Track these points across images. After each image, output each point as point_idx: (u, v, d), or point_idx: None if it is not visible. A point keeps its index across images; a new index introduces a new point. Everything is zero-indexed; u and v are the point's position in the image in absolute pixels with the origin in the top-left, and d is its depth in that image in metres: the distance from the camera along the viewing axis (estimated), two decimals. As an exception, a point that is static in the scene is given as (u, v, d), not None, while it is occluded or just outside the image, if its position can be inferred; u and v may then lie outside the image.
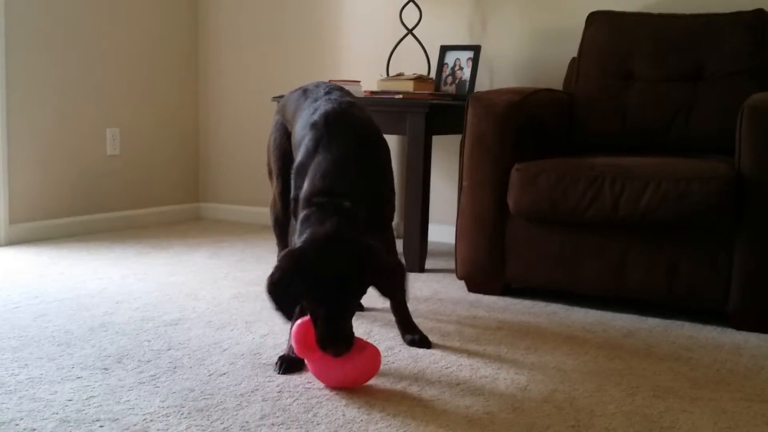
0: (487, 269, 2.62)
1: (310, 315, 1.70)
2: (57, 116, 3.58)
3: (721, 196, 2.22)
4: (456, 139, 3.46)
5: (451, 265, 3.01)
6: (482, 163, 2.58)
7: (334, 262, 1.65)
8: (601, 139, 2.88)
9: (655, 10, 3.04)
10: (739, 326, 2.30)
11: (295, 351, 1.74)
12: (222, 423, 1.50)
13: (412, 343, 2.05)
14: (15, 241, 3.38)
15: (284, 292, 1.68)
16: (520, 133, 2.58)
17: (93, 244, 3.40)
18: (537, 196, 2.45)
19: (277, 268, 1.69)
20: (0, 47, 3.29)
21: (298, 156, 1.89)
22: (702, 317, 2.40)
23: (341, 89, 2.10)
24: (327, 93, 2.04)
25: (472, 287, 2.69)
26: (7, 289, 2.55)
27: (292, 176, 1.89)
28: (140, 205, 4.00)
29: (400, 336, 2.10)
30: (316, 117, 1.89)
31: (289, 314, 1.72)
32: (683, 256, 2.32)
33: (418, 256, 2.99)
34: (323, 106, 1.93)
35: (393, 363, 1.89)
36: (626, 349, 2.07)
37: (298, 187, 1.84)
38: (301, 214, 1.76)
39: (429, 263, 3.11)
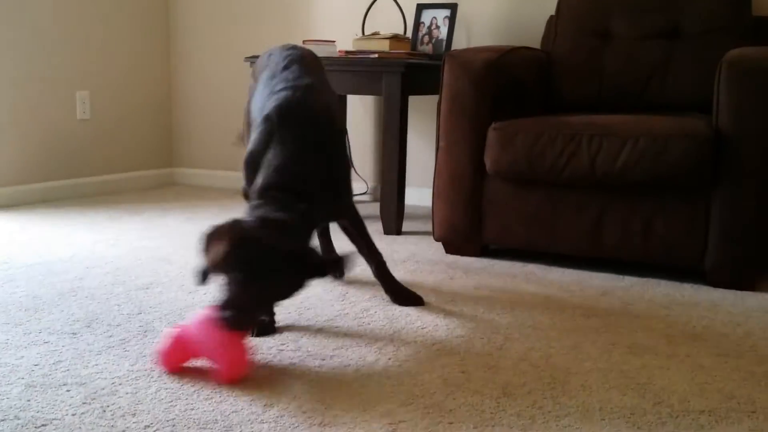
0: (464, 230, 2.59)
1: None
2: (24, 79, 3.49)
3: (699, 154, 2.20)
4: (433, 99, 3.42)
5: (429, 227, 2.99)
6: (459, 122, 2.54)
7: (266, 269, 1.54)
8: (579, 98, 2.85)
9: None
10: (716, 284, 2.30)
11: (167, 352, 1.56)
12: (192, 385, 1.47)
13: (404, 303, 2.05)
14: (-17, 207, 3.31)
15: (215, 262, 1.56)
16: (497, 91, 2.54)
17: (64, 210, 3.33)
18: (514, 155, 2.42)
19: (228, 241, 1.55)
20: (-38, 7, 3.19)
21: (249, 144, 1.79)
22: (679, 275, 2.40)
23: (301, 61, 1.97)
24: (285, 68, 1.93)
25: (450, 249, 2.67)
26: (-25, 255, 2.49)
27: (242, 167, 1.80)
28: (112, 171, 3.93)
29: (376, 297, 2.07)
30: (268, 109, 1.79)
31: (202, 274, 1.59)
32: (660, 215, 2.31)
33: (395, 218, 2.95)
34: (277, 94, 1.83)
35: (369, 324, 1.87)
36: (603, 307, 2.07)
37: (249, 180, 1.76)
38: (253, 203, 1.69)
39: (406, 226, 3.08)
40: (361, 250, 2.06)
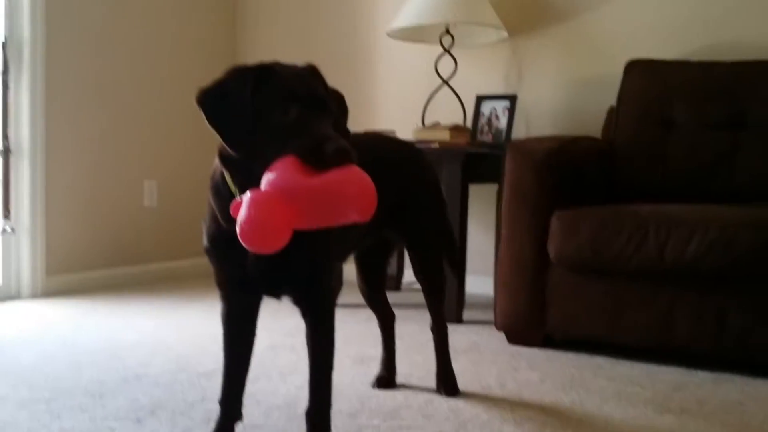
0: (527, 320, 2.54)
1: (271, 146, 1.24)
2: (95, 168, 3.62)
3: (771, 244, 2.14)
4: (491, 188, 3.42)
5: (490, 316, 2.94)
6: (521, 211, 2.53)
7: (285, 64, 1.36)
8: (642, 187, 2.82)
9: (693, 58, 3.01)
10: (795, 380, 2.20)
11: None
12: (257, 477, 1.45)
13: (438, 390, 2.00)
14: (52, 292, 3.39)
15: (224, 94, 1.30)
16: (560, 180, 2.54)
17: (129, 296, 3.39)
18: (579, 244, 2.39)
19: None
20: (40, 97, 3.35)
21: None
22: (754, 370, 2.29)
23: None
24: None
25: (513, 338, 2.61)
26: (42, 339, 2.54)
27: None
28: (177, 257, 4.00)
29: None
30: None
31: (235, 135, 1.28)
32: (733, 306, 2.23)
33: (456, 306, 2.92)
34: None
35: (432, 415, 1.83)
36: (676, 403, 1.98)
37: None
38: None
39: (467, 315, 3.04)
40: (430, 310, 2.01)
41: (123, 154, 3.75)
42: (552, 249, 2.45)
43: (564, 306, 2.48)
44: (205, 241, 1.47)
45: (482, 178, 3.18)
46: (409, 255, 1.96)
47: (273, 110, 1.26)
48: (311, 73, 1.38)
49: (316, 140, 1.20)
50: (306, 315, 1.49)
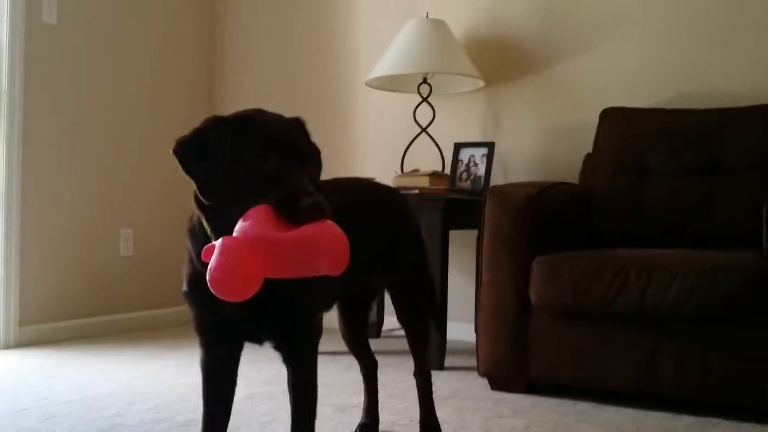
0: (510, 366, 2.53)
1: (246, 196, 1.23)
2: (71, 216, 3.58)
3: (752, 287, 2.16)
4: (471, 234, 3.43)
5: (471, 362, 2.92)
6: (502, 256, 2.54)
7: (266, 112, 1.36)
8: (621, 232, 2.84)
9: (668, 106, 3.06)
10: (779, 423, 2.19)
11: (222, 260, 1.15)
12: None
13: None
14: (24, 342, 3.31)
15: (200, 146, 1.28)
16: (539, 225, 2.55)
17: (103, 346, 3.32)
18: (560, 289, 2.39)
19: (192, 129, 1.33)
20: (17, 146, 3.32)
21: None
22: (738, 414, 2.28)
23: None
24: None
25: (495, 385, 2.59)
26: (15, 390, 2.47)
27: None
28: (152, 306, 3.95)
29: (423, 436, 2.00)
30: None
31: (208, 185, 1.27)
32: (716, 351, 2.24)
33: (438, 353, 2.90)
34: None
35: (418, 464, 1.79)
36: (662, 448, 1.97)
37: None
38: None
39: (448, 361, 3.01)
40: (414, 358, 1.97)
41: (99, 203, 3.71)
42: (533, 294, 2.45)
43: (546, 351, 2.46)
44: (184, 286, 1.44)
45: (462, 225, 3.19)
46: (393, 301, 1.93)
47: (252, 158, 1.25)
48: (295, 124, 1.38)
49: (292, 193, 1.20)
50: (288, 361, 1.46)
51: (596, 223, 2.88)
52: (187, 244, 1.39)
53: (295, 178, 1.23)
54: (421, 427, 1.99)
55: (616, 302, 2.31)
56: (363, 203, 1.77)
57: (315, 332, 1.50)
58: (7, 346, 3.25)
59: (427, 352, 2.01)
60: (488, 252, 2.58)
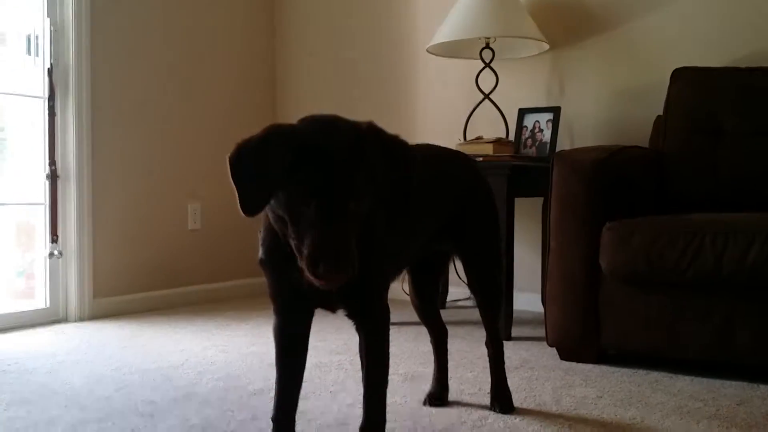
0: (579, 335, 2.48)
1: (290, 227, 1.26)
2: (140, 191, 3.65)
3: (836, 250, 2.06)
4: (536, 203, 3.37)
5: (539, 333, 2.89)
6: (571, 223, 2.48)
7: (330, 135, 1.27)
8: (693, 196, 2.74)
9: (743, 65, 2.94)
10: None
11: None
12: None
13: (492, 406, 1.95)
14: (98, 315, 3.40)
15: (258, 165, 1.24)
16: (609, 190, 2.48)
17: (174, 318, 3.39)
18: (632, 255, 2.32)
19: (256, 134, 1.29)
20: (86, 122, 3.39)
21: None
22: (821, 383, 2.20)
23: None
24: None
25: (565, 355, 2.55)
26: (91, 360, 2.54)
27: None
28: (221, 279, 4.01)
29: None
30: None
31: (252, 204, 1.27)
32: (797, 317, 2.15)
33: (505, 323, 2.86)
34: None
35: (489, 433, 1.78)
36: (741, 417, 1.90)
37: None
38: None
39: (515, 331, 2.98)
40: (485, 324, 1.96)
41: (167, 178, 3.77)
42: (604, 261, 2.39)
43: (618, 320, 2.41)
44: (261, 253, 1.45)
45: (527, 192, 3.13)
46: (465, 268, 1.91)
47: (295, 198, 1.24)
48: (352, 150, 1.26)
49: (314, 253, 1.20)
50: (361, 329, 1.46)
51: (668, 188, 2.79)
52: (265, 210, 1.38)
53: (325, 231, 1.21)
54: (492, 395, 1.98)
55: (691, 268, 2.24)
56: (434, 169, 1.75)
57: (387, 300, 1.49)
58: (82, 318, 3.35)
59: (499, 320, 1.99)
60: (556, 219, 2.52)
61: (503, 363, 1.98)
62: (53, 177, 3.34)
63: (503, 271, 2.06)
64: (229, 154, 1.26)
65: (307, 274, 1.21)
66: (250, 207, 1.26)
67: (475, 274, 1.90)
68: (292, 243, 1.26)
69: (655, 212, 2.59)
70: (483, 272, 1.90)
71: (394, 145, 1.35)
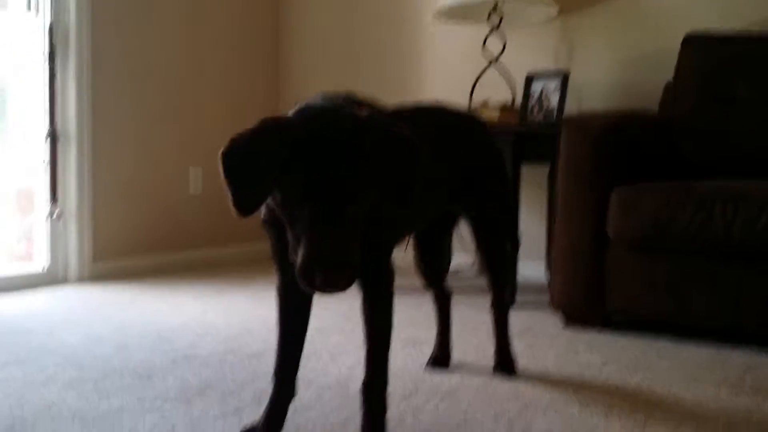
0: (585, 301, 2.45)
1: (287, 225, 1.20)
2: (141, 154, 3.60)
3: None
4: (542, 171, 3.32)
5: (542, 300, 2.85)
6: (578, 188, 2.44)
7: (327, 130, 1.16)
8: (704, 163, 2.69)
9: (755, 30, 2.87)
10: None
11: None
12: (312, 457, 1.38)
13: (496, 370, 1.93)
14: (99, 277, 3.38)
15: (252, 162, 1.17)
16: (618, 155, 2.43)
17: (175, 282, 3.37)
18: (640, 221, 2.28)
19: (249, 128, 1.20)
20: (87, 82, 3.34)
21: None
22: (830, 353, 2.17)
23: None
24: None
25: (570, 320, 2.52)
26: (90, 322, 2.51)
27: None
28: (222, 244, 3.98)
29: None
30: None
31: (246, 203, 1.19)
32: (807, 285, 2.11)
33: (509, 291, 2.82)
34: None
35: (492, 396, 1.75)
36: (749, 384, 1.87)
37: None
38: None
39: (518, 299, 2.94)
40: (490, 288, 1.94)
41: (169, 141, 3.73)
42: (611, 227, 2.35)
43: (624, 286, 2.37)
44: (263, 215, 1.40)
45: (533, 159, 3.08)
46: (473, 230, 1.87)
47: (289, 199, 1.16)
48: (351, 146, 1.16)
49: (308, 263, 1.12)
50: (364, 288, 1.41)
51: (678, 154, 2.74)
52: None
53: (322, 234, 1.13)
54: (496, 360, 1.95)
55: (700, 235, 2.19)
56: (444, 130, 1.70)
57: (392, 265, 1.45)
58: (82, 280, 3.32)
59: (505, 284, 1.95)
60: (564, 184, 2.48)
61: (508, 327, 1.95)
62: (53, 137, 3.29)
63: (516, 228, 2.02)
64: (221, 150, 1.18)
65: (301, 283, 1.13)
66: (244, 206, 1.18)
67: (482, 236, 1.86)
68: (290, 240, 1.19)
69: (664, 179, 2.54)
70: (491, 235, 1.86)
71: (396, 138, 1.23)
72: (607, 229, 2.36)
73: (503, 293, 1.94)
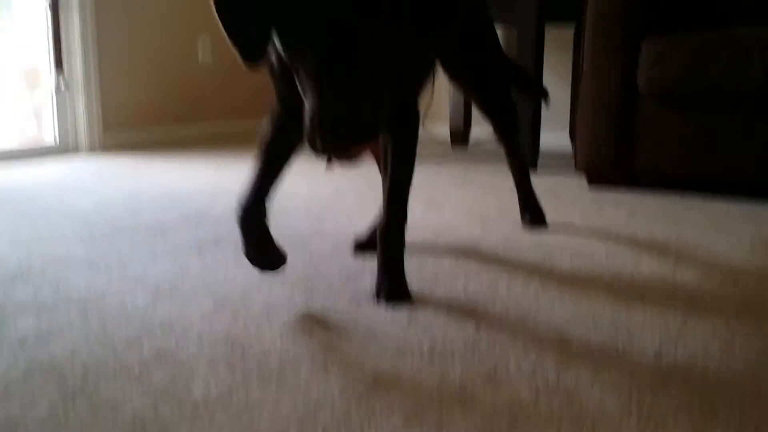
0: (611, 160, 2.35)
1: (295, 75, 1.03)
2: (147, 22, 3.46)
3: None
4: (566, 35, 3.16)
5: (566, 165, 2.76)
6: (607, 38, 2.29)
7: None
8: (736, 9, 2.51)
9: None
10: None
11: None
12: (328, 297, 1.33)
13: (523, 220, 1.87)
14: (109, 148, 3.31)
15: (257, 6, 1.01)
16: (649, 2, 2.27)
17: (186, 151, 3.30)
18: (672, 72, 2.15)
19: None
20: (87, -54, 3.18)
21: None
22: None
23: None
24: None
25: (594, 179, 2.43)
26: (103, 189, 2.46)
27: None
28: (234, 115, 3.88)
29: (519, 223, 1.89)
30: None
31: (247, 47, 1.05)
32: None
33: (531, 152, 2.73)
34: None
35: (515, 246, 1.68)
36: (784, 236, 1.79)
37: None
38: None
39: (540, 165, 2.85)
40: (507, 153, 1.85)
41: (174, 6, 3.57)
42: (642, 79, 2.22)
43: (653, 142, 2.27)
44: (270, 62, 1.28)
45: (558, 17, 2.91)
46: (471, 89, 1.77)
47: (290, 44, 1.01)
48: None
49: (312, 123, 0.97)
50: (390, 129, 1.29)
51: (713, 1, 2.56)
52: None
53: (324, 89, 0.96)
54: (522, 211, 1.88)
55: (735, 86, 2.07)
56: None
57: (419, 106, 1.35)
58: (93, 150, 3.26)
59: (519, 138, 1.85)
60: (592, 35, 2.33)
61: (530, 178, 1.87)
62: (54, 6, 3.16)
63: (528, 74, 1.90)
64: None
65: (309, 150, 1.00)
66: (246, 51, 1.04)
67: (482, 93, 1.77)
68: (301, 92, 1.04)
69: (699, 26, 2.39)
70: (491, 90, 1.77)
71: None
72: (637, 82, 2.23)
73: (518, 143, 1.85)
